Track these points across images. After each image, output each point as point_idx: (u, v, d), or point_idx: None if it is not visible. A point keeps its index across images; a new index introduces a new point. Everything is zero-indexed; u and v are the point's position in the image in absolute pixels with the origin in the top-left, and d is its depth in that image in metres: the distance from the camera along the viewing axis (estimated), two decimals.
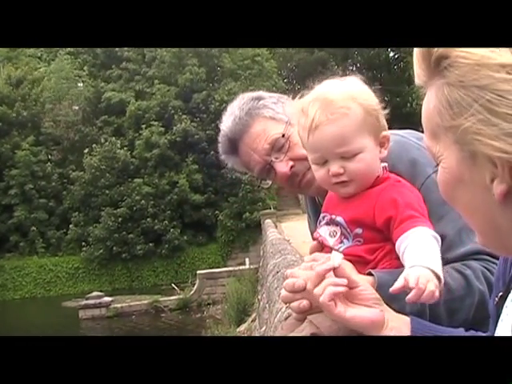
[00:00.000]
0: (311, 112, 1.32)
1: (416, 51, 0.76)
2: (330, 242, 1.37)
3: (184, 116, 31.62)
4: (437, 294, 1.10)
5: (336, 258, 1.13)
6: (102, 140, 32.47)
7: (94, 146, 32.12)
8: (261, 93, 1.78)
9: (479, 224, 0.76)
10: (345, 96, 1.31)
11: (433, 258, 1.17)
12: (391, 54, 39.18)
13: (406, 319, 1.12)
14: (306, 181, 1.67)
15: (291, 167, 1.65)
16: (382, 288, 1.17)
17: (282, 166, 1.66)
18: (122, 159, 31.70)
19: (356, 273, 1.29)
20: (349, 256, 1.30)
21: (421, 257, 1.17)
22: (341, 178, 1.32)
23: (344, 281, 1.10)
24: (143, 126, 31.97)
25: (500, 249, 0.79)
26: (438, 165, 0.78)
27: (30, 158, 32.74)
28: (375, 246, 1.32)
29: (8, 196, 32.75)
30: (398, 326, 1.09)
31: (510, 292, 0.85)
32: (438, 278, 1.13)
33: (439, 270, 1.15)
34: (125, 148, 32.14)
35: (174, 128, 31.46)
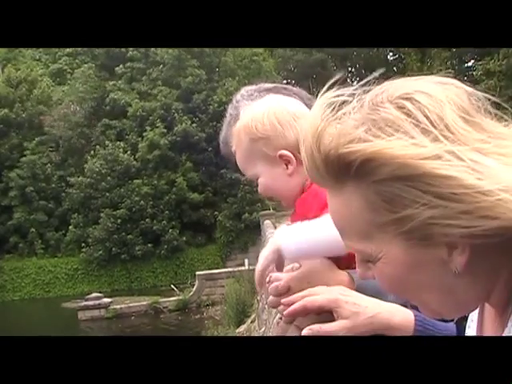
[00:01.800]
0: None
1: (318, 160, 0.73)
2: None
3: (185, 117, 31.59)
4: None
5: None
6: (106, 142, 32.39)
7: (97, 147, 32.07)
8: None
9: (435, 297, 0.76)
10: (239, 126, 1.42)
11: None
12: (390, 54, 39.25)
13: (410, 317, 1.11)
14: None
15: None
16: (363, 286, 1.16)
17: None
18: (124, 163, 31.62)
19: (336, 269, 1.28)
20: None
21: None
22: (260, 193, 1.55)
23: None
24: (148, 128, 31.91)
25: (457, 310, 0.80)
26: (373, 263, 0.75)
27: (35, 161, 32.77)
28: None
29: (8, 198, 32.75)
30: (402, 323, 1.09)
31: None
32: None
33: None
34: (128, 153, 32.06)
35: (175, 128, 31.44)
